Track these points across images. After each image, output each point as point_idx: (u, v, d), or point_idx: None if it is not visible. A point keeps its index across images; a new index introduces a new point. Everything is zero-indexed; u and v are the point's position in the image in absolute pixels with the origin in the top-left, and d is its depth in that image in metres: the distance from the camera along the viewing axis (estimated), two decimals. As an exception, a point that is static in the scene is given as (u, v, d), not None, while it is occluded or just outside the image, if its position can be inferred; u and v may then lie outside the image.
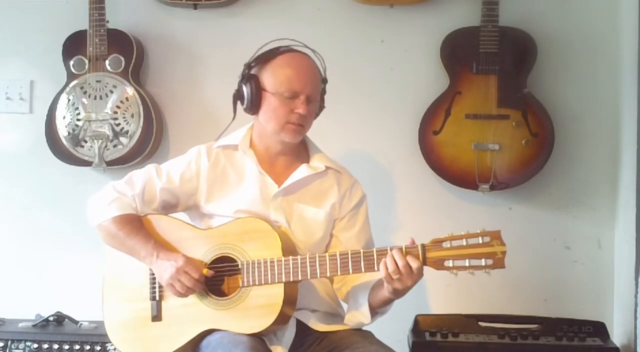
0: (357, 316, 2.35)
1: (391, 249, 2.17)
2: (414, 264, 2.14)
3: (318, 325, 2.39)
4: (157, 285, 2.37)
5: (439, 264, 2.15)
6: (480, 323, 2.97)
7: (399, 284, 2.16)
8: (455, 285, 3.15)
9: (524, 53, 3.12)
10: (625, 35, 3.14)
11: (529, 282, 3.20)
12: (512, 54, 3.10)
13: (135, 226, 2.38)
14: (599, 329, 2.95)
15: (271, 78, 2.38)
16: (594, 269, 3.23)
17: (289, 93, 2.36)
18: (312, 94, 2.38)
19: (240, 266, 2.29)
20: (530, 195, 3.22)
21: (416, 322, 2.98)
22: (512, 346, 2.85)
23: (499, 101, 3.08)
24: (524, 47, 3.12)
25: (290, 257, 2.25)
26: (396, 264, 2.14)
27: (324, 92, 2.48)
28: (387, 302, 2.30)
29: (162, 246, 2.35)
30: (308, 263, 2.24)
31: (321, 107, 2.48)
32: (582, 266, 3.24)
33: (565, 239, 3.25)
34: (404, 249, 2.17)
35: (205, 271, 2.30)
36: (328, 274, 2.25)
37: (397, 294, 2.22)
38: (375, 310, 2.33)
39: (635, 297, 2.95)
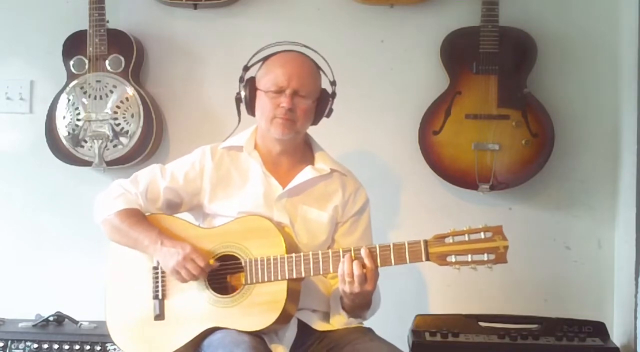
0: (338, 318, 2.38)
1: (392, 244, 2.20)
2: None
3: (319, 324, 2.39)
4: (160, 283, 2.37)
5: (441, 260, 2.16)
6: (480, 323, 2.97)
7: (348, 288, 2.20)
8: (456, 285, 3.16)
9: (524, 53, 3.12)
10: (625, 35, 3.14)
11: (529, 282, 3.20)
12: (512, 54, 3.10)
13: (139, 218, 2.39)
14: (599, 329, 2.95)
15: (263, 77, 2.42)
16: (594, 269, 3.23)
17: (275, 87, 2.38)
18: (299, 89, 2.38)
19: (243, 264, 2.30)
20: (530, 195, 3.22)
21: (416, 322, 2.98)
22: (512, 346, 2.85)
23: (499, 101, 3.08)
24: (524, 47, 3.12)
25: (294, 254, 2.26)
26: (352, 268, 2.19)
27: (333, 95, 2.48)
28: (354, 309, 2.33)
29: (167, 234, 2.35)
30: (311, 260, 2.24)
31: (328, 109, 2.47)
32: (582, 266, 3.23)
33: (565, 239, 3.24)
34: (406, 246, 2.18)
35: (211, 261, 2.30)
36: (331, 271, 2.25)
37: (348, 298, 2.27)
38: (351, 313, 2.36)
39: (635, 297, 2.95)
